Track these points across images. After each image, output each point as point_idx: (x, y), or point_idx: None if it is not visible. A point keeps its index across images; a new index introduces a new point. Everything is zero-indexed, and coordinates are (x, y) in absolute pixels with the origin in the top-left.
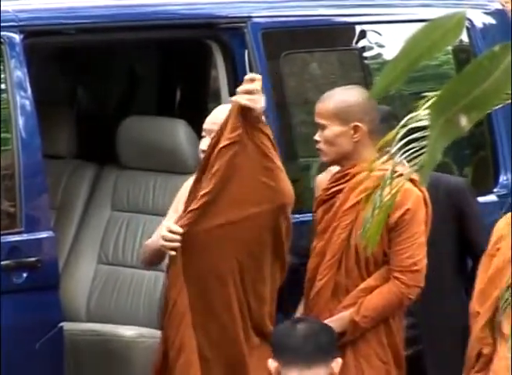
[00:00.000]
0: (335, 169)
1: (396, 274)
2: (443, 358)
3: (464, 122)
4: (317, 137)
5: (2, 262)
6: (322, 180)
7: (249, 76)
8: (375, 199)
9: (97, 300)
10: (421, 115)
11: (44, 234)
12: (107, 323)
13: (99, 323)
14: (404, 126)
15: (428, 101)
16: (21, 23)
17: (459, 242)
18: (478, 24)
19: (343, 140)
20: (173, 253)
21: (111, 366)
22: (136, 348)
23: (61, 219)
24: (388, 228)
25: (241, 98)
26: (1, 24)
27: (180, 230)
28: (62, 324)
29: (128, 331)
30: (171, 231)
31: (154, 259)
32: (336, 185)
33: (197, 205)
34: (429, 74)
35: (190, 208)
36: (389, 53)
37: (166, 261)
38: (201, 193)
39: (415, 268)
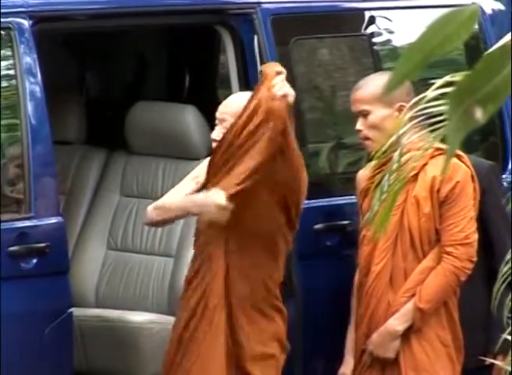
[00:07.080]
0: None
1: (449, 249)
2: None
3: (480, 114)
4: (360, 126)
5: (12, 248)
6: (363, 174)
7: (275, 68)
8: (383, 184)
9: (106, 286)
10: (430, 97)
11: (53, 220)
12: (116, 309)
13: (108, 309)
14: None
15: (438, 86)
16: (30, 9)
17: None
18: (488, 10)
19: (389, 123)
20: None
21: (120, 352)
22: (144, 333)
23: (70, 205)
24: (439, 202)
25: (282, 90)
26: (11, 10)
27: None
28: (71, 310)
29: (137, 317)
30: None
31: (169, 221)
32: (382, 170)
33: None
34: (438, 60)
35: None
36: (399, 39)
37: (174, 246)
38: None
39: (467, 241)
